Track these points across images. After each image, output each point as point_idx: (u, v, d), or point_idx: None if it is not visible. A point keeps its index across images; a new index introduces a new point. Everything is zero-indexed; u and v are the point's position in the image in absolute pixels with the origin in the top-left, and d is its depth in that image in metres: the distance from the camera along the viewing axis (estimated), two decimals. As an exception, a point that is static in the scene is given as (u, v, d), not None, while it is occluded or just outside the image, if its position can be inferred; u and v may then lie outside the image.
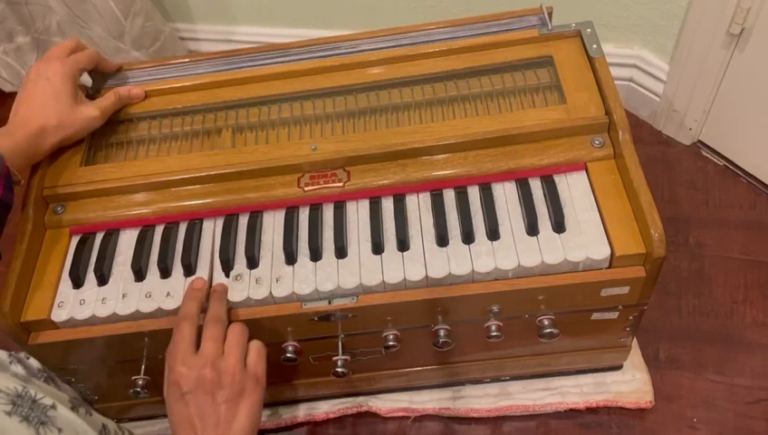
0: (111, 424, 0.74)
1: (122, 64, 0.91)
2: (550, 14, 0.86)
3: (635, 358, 0.94)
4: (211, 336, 0.68)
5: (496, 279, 0.73)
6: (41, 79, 0.79)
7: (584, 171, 0.77)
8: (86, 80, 0.88)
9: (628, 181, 0.74)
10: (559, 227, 0.73)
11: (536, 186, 0.77)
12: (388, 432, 0.94)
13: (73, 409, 0.66)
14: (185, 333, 0.68)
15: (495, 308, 0.76)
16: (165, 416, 0.85)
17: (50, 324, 0.75)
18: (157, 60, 0.91)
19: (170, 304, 0.74)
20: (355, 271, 0.74)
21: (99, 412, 0.75)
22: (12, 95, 1.37)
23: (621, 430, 0.91)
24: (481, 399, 0.93)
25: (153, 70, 0.90)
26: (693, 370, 0.95)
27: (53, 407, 0.63)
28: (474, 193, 0.77)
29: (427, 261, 0.73)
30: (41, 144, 0.78)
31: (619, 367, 0.93)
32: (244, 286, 0.74)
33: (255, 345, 0.71)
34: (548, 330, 0.77)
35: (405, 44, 0.87)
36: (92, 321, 0.75)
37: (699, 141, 1.17)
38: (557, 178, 0.77)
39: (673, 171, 1.15)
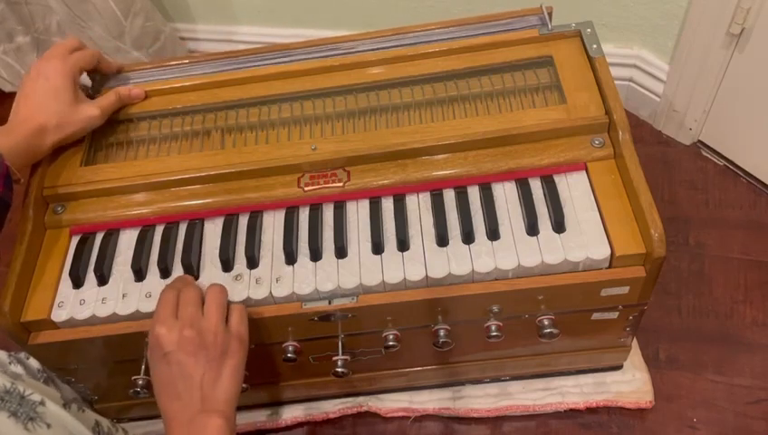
0: (105, 421, 0.74)
1: (123, 65, 0.91)
2: (550, 14, 0.86)
3: (635, 358, 0.94)
4: (187, 300, 0.68)
5: (496, 279, 0.73)
6: (40, 77, 0.79)
7: (584, 171, 0.77)
8: (85, 80, 0.88)
9: (628, 181, 0.74)
10: (559, 226, 0.73)
11: (536, 186, 0.77)
12: (388, 432, 0.94)
13: (65, 406, 0.66)
14: (168, 298, 0.68)
15: (495, 308, 0.76)
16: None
17: (50, 324, 0.75)
18: (157, 61, 0.91)
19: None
20: (355, 271, 0.74)
21: (99, 412, 0.75)
22: (12, 95, 1.37)
23: (621, 430, 0.91)
24: (481, 399, 0.93)
25: (153, 71, 0.90)
26: (693, 370, 0.95)
27: (42, 403, 0.63)
28: (474, 193, 0.77)
29: (427, 261, 0.73)
30: (41, 143, 0.78)
31: (619, 367, 0.93)
32: (244, 286, 0.74)
33: (237, 307, 0.71)
34: (548, 330, 0.77)
35: (405, 44, 0.87)
36: (92, 321, 0.75)
37: (699, 141, 1.17)
38: (557, 178, 0.77)
39: (673, 171, 1.15)
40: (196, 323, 0.66)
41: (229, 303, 0.72)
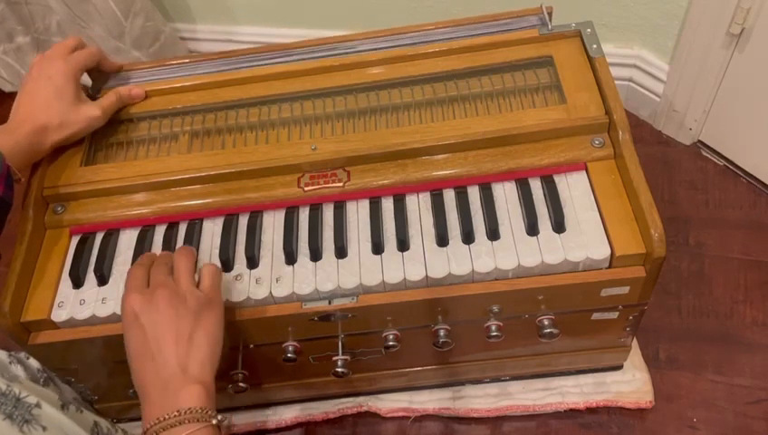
0: (104, 422, 0.74)
1: (123, 64, 0.91)
2: (550, 14, 0.86)
3: (635, 358, 0.94)
4: (157, 270, 0.67)
5: (496, 279, 0.73)
6: (42, 77, 0.79)
7: (584, 171, 0.77)
8: (85, 80, 0.88)
9: (628, 181, 0.74)
10: (559, 226, 0.73)
11: (536, 186, 0.77)
12: (388, 432, 0.94)
13: (63, 407, 0.66)
14: (137, 273, 0.67)
15: (495, 308, 0.76)
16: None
17: (50, 324, 0.75)
18: (157, 61, 0.91)
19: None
20: (355, 271, 0.74)
21: (99, 412, 0.75)
22: (12, 95, 1.37)
23: (621, 430, 0.91)
24: (481, 399, 0.93)
25: (154, 70, 0.90)
26: (693, 370, 0.95)
27: (38, 405, 0.63)
28: (474, 193, 0.77)
29: (427, 261, 0.73)
30: (42, 142, 0.78)
31: (619, 367, 0.93)
32: (244, 286, 0.74)
33: (209, 269, 0.69)
34: (548, 330, 0.77)
35: (405, 44, 0.87)
36: (92, 321, 0.75)
37: (699, 141, 1.17)
38: (557, 178, 0.77)
39: (673, 171, 1.15)
40: (167, 285, 0.65)
41: (203, 268, 0.70)
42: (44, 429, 0.62)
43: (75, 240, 0.79)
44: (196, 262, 0.71)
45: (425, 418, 0.94)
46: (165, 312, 0.63)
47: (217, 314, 0.66)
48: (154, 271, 0.68)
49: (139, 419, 0.93)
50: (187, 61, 0.90)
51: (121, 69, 0.90)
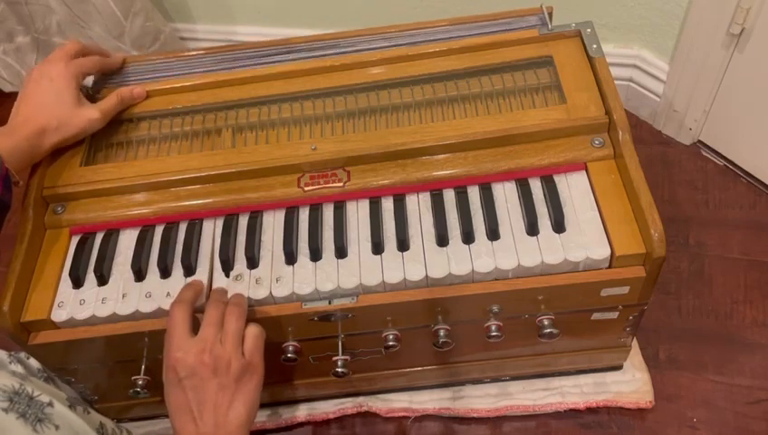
0: (109, 423, 0.74)
1: (126, 57, 0.91)
2: (550, 14, 0.86)
3: (635, 358, 0.94)
4: (211, 321, 0.68)
5: (496, 279, 0.73)
6: (44, 79, 0.79)
7: (584, 171, 0.77)
8: (86, 80, 0.88)
9: (628, 181, 0.74)
10: (559, 227, 0.73)
11: (536, 186, 0.77)
12: (388, 432, 0.94)
13: (71, 407, 0.66)
14: (179, 317, 0.68)
15: (495, 308, 0.76)
16: (165, 416, 0.86)
17: (50, 324, 0.75)
18: (160, 53, 0.92)
19: (170, 305, 0.74)
20: (355, 271, 0.74)
21: (99, 412, 0.75)
22: (12, 95, 1.38)
23: (621, 430, 0.91)
24: (481, 399, 0.93)
25: (156, 64, 0.90)
26: (693, 370, 0.95)
27: (50, 404, 0.63)
28: (474, 193, 0.77)
29: (427, 261, 0.73)
30: (41, 144, 0.78)
31: (619, 367, 0.93)
32: (244, 286, 0.74)
33: (253, 332, 0.70)
34: (548, 330, 0.77)
35: (405, 44, 0.87)
36: (92, 321, 0.75)
37: (699, 141, 1.17)
38: (557, 178, 0.77)
39: (673, 171, 1.15)
40: (213, 349, 0.66)
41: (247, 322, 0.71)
42: (57, 428, 0.62)
43: (75, 240, 0.79)
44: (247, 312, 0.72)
45: (425, 418, 0.94)
46: (209, 381, 0.65)
47: (258, 378, 0.69)
48: (208, 320, 0.68)
49: (139, 419, 0.94)
50: (190, 54, 0.90)
51: (125, 62, 0.91)
